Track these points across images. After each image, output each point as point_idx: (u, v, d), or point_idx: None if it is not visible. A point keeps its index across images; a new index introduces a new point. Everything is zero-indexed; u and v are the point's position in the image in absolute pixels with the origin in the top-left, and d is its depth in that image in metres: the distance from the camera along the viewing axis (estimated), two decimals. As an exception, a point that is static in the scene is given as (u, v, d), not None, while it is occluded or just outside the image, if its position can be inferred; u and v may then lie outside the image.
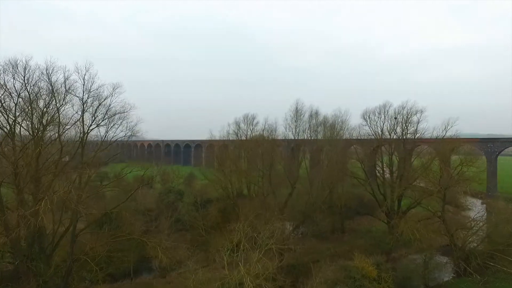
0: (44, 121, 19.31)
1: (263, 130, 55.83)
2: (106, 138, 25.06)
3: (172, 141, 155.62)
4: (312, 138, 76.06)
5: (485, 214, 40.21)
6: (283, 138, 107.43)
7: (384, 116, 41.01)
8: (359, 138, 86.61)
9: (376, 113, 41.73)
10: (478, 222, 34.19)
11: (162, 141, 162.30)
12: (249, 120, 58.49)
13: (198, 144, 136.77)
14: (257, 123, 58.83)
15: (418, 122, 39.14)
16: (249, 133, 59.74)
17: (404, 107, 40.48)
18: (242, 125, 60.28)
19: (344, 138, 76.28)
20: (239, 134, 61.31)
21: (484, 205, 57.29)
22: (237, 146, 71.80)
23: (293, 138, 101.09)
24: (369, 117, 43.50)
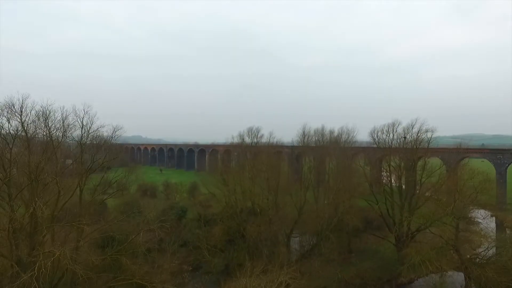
0: (41, 165, 18.41)
1: (267, 144, 54.94)
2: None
3: (175, 145, 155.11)
4: (317, 145, 75.12)
5: (500, 233, 38.96)
6: (288, 145, 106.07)
7: (393, 135, 39.83)
8: (364, 146, 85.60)
9: (385, 131, 40.55)
10: (491, 243, 32.98)
11: (166, 145, 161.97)
12: (254, 133, 57.46)
13: (202, 149, 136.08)
14: (261, 136, 57.89)
15: (428, 142, 37.85)
16: (253, 145, 58.84)
17: (413, 126, 39.28)
18: (246, 138, 59.39)
19: (349, 147, 75.31)
20: (243, 147, 60.54)
21: (494, 218, 56.05)
22: (241, 154, 70.72)
23: (297, 145, 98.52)
24: (377, 136, 42.35)
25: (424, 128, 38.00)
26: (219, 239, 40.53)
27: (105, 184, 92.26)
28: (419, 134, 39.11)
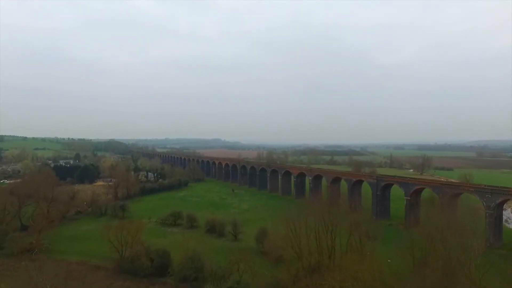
0: None
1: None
2: None
3: (248, 162, 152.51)
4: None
5: None
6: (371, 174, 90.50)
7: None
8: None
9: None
10: None
11: (238, 161, 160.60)
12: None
13: (274, 170, 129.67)
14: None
15: None
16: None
17: None
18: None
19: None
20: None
21: None
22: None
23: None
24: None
25: None
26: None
27: (175, 216, 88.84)
28: None
